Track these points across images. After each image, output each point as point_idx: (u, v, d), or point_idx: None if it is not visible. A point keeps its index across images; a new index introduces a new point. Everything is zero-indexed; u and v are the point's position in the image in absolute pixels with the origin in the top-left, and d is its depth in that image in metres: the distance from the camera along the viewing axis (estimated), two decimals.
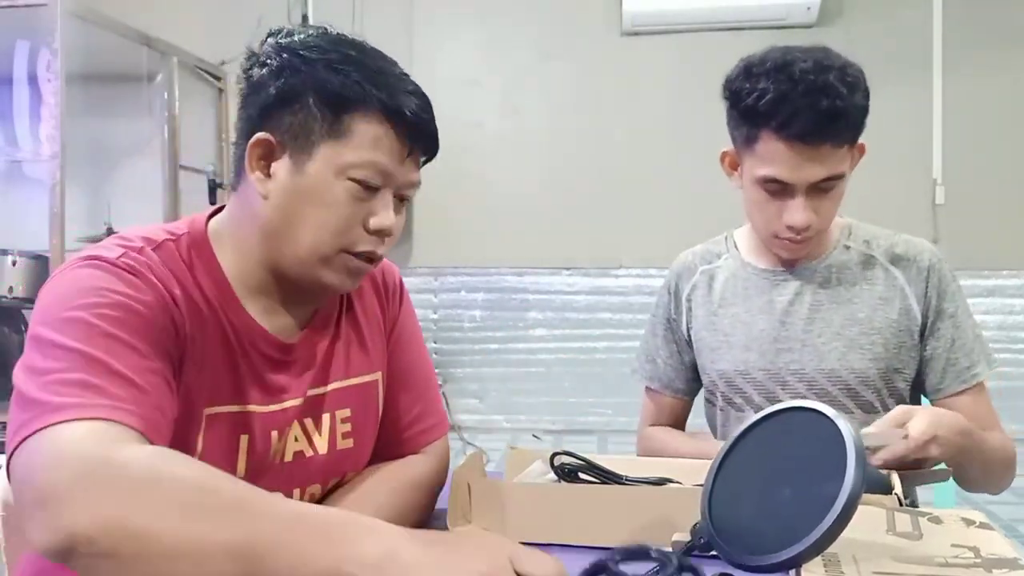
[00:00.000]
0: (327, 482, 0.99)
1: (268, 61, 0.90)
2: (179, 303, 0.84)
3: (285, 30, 0.92)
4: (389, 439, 1.06)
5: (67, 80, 3.01)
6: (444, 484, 1.08)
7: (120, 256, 0.83)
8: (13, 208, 3.77)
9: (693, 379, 1.46)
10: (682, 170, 3.83)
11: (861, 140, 1.27)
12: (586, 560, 0.91)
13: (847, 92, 1.17)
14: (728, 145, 1.32)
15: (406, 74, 0.92)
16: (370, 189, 0.89)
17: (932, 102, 3.70)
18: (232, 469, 0.89)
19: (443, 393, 3.94)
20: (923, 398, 1.39)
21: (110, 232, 3.38)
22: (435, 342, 4.07)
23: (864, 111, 1.22)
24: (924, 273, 1.30)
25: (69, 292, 0.79)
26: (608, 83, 3.92)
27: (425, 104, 0.92)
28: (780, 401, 1.31)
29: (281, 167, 0.89)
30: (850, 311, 1.31)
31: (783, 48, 1.23)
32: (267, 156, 0.89)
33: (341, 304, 1.03)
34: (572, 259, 3.96)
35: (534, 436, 3.82)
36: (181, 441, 0.84)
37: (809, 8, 3.62)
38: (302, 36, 0.91)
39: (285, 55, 0.89)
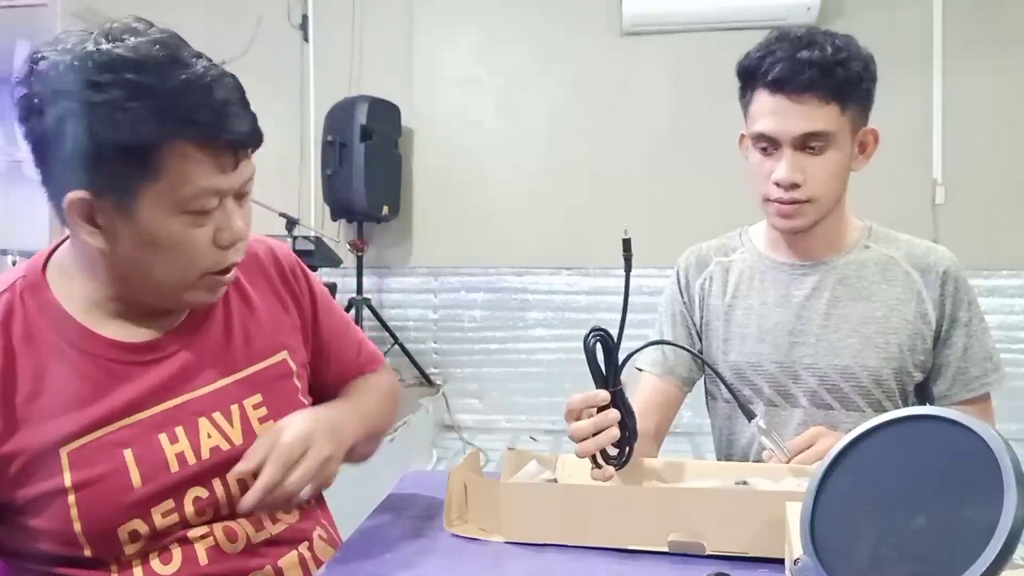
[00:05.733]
0: None
1: (44, 108, 0.81)
2: None
3: (41, 55, 0.83)
4: (344, 384, 1.17)
5: None
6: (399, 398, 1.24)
7: None
8: (13, 208, 3.77)
9: (693, 369, 1.44)
10: (682, 170, 3.83)
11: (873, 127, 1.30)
12: (583, 560, 0.91)
13: (832, 50, 1.21)
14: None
15: (189, 63, 0.83)
16: (207, 212, 0.86)
17: (932, 102, 3.70)
18: (126, 484, 0.88)
19: (443, 393, 3.94)
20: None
21: None
22: (435, 342, 4.07)
23: (858, 79, 1.23)
24: (940, 279, 1.30)
25: None
26: (608, 83, 3.92)
27: (228, 93, 0.84)
28: (791, 395, 1.33)
29: (108, 217, 0.84)
30: (867, 309, 1.31)
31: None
32: (88, 211, 0.84)
33: (223, 300, 1.02)
34: (572, 259, 3.95)
35: (531, 438, 3.81)
36: (45, 489, 0.86)
37: (809, 8, 3.62)
38: (66, 62, 0.81)
39: (62, 101, 0.80)
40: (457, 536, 0.98)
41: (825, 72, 1.20)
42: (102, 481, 0.87)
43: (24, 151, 0.85)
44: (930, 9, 3.69)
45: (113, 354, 0.91)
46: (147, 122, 0.79)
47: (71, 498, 0.86)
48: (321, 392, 1.16)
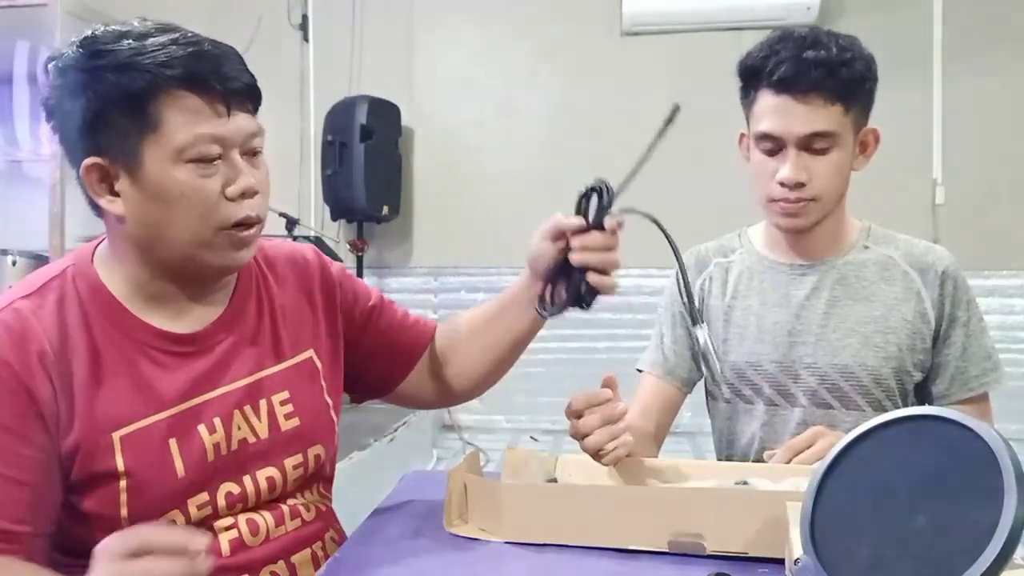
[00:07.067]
0: (281, 464, 1.01)
1: (62, 94, 0.89)
2: (46, 355, 0.87)
3: (56, 51, 0.91)
4: (402, 334, 1.22)
5: None
6: None
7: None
8: (13, 208, 3.77)
9: (694, 369, 1.46)
10: (682, 170, 3.82)
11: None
12: (583, 560, 0.91)
13: (836, 50, 1.22)
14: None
15: (180, 30, 0.90)
16: (211, 161, 0.89)
17: (932, 102, 3.69)
18: (171, 472, 0.92)
19: None
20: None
21: None
22: None
23: (861, 79, 1.24)
24: (939, 279, 1.31)
25: None
26: (608, 83, 3.92)
27: (218, 51, 0.90)
28: (791, 394, 1.34)
29: (122, 183, 0.90)
30: (867, 308, 1.31)
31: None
32: (105, 178, 0.90)
33: (255, 298, 1.05)
34: None
35: (531, 438, 3.81)
36: (99, 470, 0.89)
37: (809, 8, 3.62)
38: (72, 50, 0.89)
39: (70, 76, 0.88)
40: (457, 536, 0.98)
41: (831, 72, 1.20)
42: (150, 468, 0.91)
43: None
44: (930, 9, 3.69)
45: (160, 344, 0.95)
46: (143, 73, 0.85)
47: (122, 483, 0.89)
48: (372, 378, 1.21)
